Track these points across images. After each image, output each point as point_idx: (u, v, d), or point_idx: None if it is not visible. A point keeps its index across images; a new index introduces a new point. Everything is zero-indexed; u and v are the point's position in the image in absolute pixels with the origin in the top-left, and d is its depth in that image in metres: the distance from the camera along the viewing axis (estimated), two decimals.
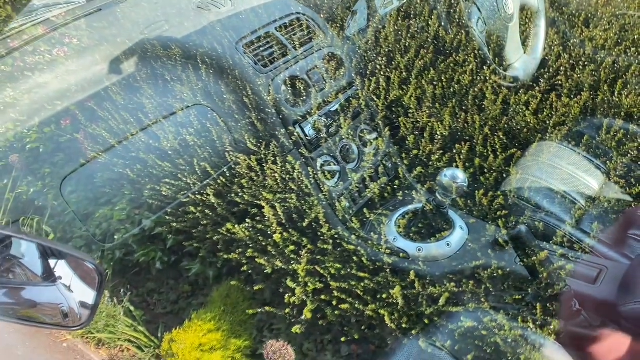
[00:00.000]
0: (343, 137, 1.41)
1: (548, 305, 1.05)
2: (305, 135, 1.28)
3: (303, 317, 1.04)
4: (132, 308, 1.50)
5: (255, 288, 1.02)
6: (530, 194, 1.36)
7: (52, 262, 0.94)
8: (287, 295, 1.02)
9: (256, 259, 1.05)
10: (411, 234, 1.24)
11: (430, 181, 1.43)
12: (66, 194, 1.24)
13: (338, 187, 1.32)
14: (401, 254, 1.16)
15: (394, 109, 1.62)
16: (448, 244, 1.17)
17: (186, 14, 1.39)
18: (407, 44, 1.69)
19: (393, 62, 1.67)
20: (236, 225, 1.12)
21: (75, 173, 1.28)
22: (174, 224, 1.20)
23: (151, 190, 1.26)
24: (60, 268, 0.93)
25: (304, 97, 1.36)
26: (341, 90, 1.49)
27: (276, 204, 1.08)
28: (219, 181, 1.21)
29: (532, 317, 1.04)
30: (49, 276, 0.94)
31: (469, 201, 1.39)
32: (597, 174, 1.54)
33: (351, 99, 1.46)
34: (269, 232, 1.07)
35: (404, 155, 1.54)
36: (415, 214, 1.27)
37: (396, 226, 1.23)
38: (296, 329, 1.05)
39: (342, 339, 1.20)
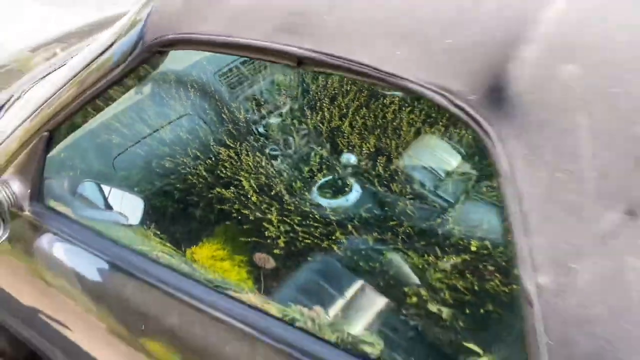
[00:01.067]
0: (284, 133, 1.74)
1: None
2: (261, 134, 1.64)
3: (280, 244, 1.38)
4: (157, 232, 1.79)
5: (245, 227, 1.32)
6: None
7: None
8: (266, 232, 1.33)
9: (241, 211, 1.36)
10: (326, 195, 1.52)
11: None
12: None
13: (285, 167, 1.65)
14: (319, 205, 1.45)
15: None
16: (347, 200, 1.40)
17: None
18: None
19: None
20: (224, 189, 1.38)
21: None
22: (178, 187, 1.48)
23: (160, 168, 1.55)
24: None
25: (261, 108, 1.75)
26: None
27: (250, 179, 1.37)
28: (207, 163, 1.49)
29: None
30: None
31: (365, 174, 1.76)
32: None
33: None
34: (249, 197, 1.37)
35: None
36: (329, 182, 1.58)
37: (318, 190, 1.49)
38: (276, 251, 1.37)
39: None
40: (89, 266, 1.10)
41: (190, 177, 1.46)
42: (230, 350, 0.89)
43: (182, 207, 1.47)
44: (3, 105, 1.64)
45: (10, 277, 1.39)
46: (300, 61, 0.74)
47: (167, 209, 1.46)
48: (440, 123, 1.51)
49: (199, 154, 1.48)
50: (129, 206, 1.21)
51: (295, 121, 1.69)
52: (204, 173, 1.46)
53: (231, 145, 1.50)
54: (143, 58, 0.93)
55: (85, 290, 1.11)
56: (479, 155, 1.45)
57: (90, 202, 1.20)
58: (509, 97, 0.59)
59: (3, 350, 1.93)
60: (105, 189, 1.22)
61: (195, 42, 0.86)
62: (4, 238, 1.13)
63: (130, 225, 1.20)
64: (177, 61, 1.66)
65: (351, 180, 1.86)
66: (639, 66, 0.57)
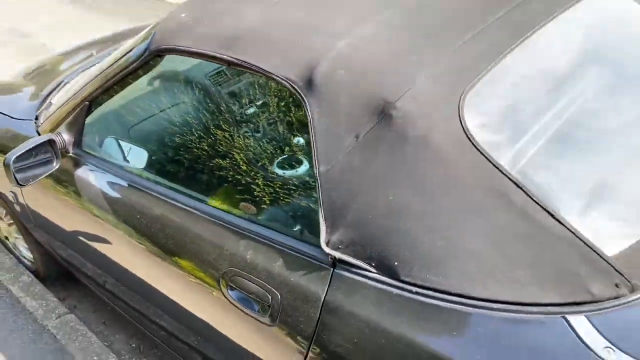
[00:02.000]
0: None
1: None
2: (241, 121, 1.90)
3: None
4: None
5: (239, 188, 1.52)
6: None
7: None
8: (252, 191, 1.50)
9: (235, 176, 1.57)
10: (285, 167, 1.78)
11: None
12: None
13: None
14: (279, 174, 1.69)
15: None
16: (297, 171, 1.68)
17: None
18: None
19: None
20: (221, 160, 1.62)
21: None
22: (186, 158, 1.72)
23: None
24: None
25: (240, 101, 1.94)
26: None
27: (241, 154, 1.60)
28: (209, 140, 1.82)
29: None
30: None
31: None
32: None
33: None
34: (241, 167, 1.57)
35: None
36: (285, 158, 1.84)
37: (278, 164, 1.74)
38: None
39: None
40: (109, 186, 1.74)
41: (188, 146, 1.76)
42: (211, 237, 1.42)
43: (185, 171, 1.73)
44: (55, 89, 2.32)
45: (53, 204, 2.03)
46: (229, 63, 1.39)
47: (168, 171, 1.78)
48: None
49: (188, 131, 1.79)
50: (136, 155, 1.84)
51: (263, 113, 1.91)
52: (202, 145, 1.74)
53: (216, 128, 1.76)
54: (148, 58, 1.59)
55: (106, 204, 1.75)
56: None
57: (111, 149, 1.85)
58: (316, 85, 1.23)
59: (37, 270, 2.58)
60: (121, 143, 1.86)
61: (178, 51, 1.51)
62: (56, 167, 1.78)
63: (137, 168, 1.78)
64: (180, 65, 2.14)
65: (301, 157, 2.17)
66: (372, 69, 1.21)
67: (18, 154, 1.65)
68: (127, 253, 1.74)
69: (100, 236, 1.83)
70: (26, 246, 2.51)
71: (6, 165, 1.65)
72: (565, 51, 1.38)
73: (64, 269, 2.39)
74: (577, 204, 1.11)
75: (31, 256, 2.54)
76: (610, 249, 1.02)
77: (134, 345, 2.33)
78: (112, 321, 2.44)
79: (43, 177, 1.76)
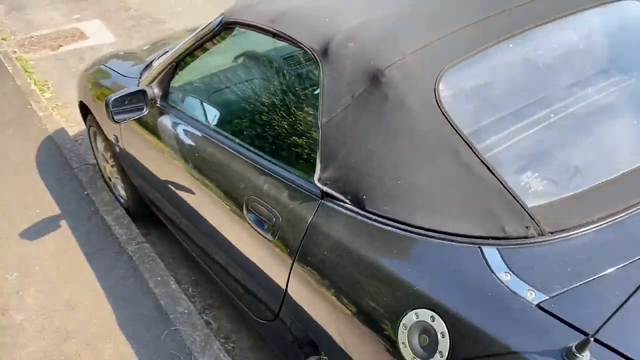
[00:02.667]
0: None
1: None
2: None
3: None
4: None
5: (270, 139, 1.85)
6: None
7: None
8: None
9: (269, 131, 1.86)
10: None
11: None
12: None
13: None
14: None
15: None
16: None
17: None
18: None
19: None
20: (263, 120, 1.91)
21: None
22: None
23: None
24: None
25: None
26: None
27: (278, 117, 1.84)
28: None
29: None
30: None
31: None
32: None
33: None
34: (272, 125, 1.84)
35: None
36: None
37: None
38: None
39: None
40: (186, 135, 2.15)
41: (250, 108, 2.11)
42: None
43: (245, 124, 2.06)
44: (157, 57, 2.80)
45: (141, 147, 2.49)
46: (273, 34, 1.73)
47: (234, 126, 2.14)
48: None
49: (247, 101, 2.13)
50: (210, 113, 2.24)
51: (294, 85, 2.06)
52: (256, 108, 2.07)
53: (266, 99, 2.03)
54: (220, 30, 1.97)
55: (181, 148, 2.15)
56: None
57: (191, 106, 2.26)
58: (330, 53, 1.54)
59: (128, 207, 3.10)
60: (200, 102, 2.27)
61: (241, 24, 1.88)
62: (145, 113, 2.22)
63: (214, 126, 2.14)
64: (256, 45, 2.51)
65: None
66: (369, 43, 1.49)
67: (116, 97, 2.11)
68: (193, 192, 2.13)
69: (174, 177, 2.25)
70: (122, 185, 3.02)
71: (106, 104, 2.11)
72: (547, 51, 1.57)
73: (148, 209, 2.87)
74: (515, 165, 1.33)
75: (125, 195, 3.06)
76: (533, 201, 1.23)
77: (193, 278, 2.75)
78: (180, 258, 2.88)
79: (133, 119, 2.21)
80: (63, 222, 2.98)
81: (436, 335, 1.15)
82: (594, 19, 1.68)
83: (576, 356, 0.97)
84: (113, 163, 3.02)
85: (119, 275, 2.60)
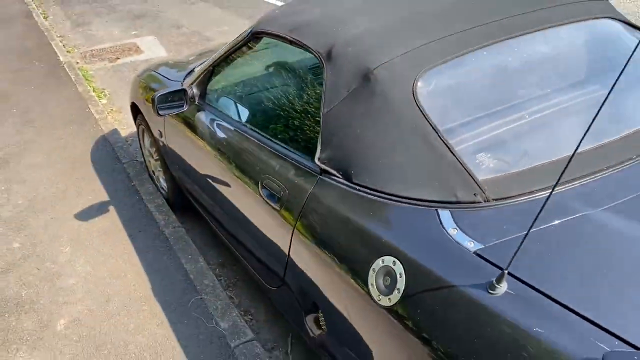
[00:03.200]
0: None
1: None
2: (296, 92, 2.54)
3: None
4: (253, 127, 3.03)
5: (286, 129, 2.16)
6: None
7: None
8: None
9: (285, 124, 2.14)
10: None
11: None
12: None
13: None
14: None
15: None
16: None
17: None
18: None
19: None
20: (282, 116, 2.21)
21: None
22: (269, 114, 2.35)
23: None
24: None
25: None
26: None
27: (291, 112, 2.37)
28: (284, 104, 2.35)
29: None
30: None
31: None
32: None
33: None
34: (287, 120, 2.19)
35: None
36: None
37: None
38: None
39: None
40: (219, 129, 2.51)
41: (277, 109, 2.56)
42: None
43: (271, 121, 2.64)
44: (195, 67, 3.20)
45: (180, 141, 2.87)
46: (290, 42, 2.07)
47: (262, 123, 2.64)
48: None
49: (270, 102, 2.48)
50: (241, 111, 2.60)
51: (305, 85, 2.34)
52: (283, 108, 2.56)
53: (285, 100, 2.37)
54: (250, 38, 2.33)
55: (215, 141, 2.51)
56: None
57: (225, 105, 2.62)
58: (333, 56, 1.86)
59: (169, 198, 3.48)
60: (233, 102, 2.63)
61: (267, 33, 2.23)
62: (185, 109, 2.60)
63: (241, 120, 2.54)
64: (277, 52, 2.85)
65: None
66: (364, 48, 1.81)
67: (160, 94, 2.50)
68: (222, 177, 2.48)
69: (206, 165, 2.61)
70: (164, 177, 3.41)
71: (152, 100, 2.49)
72: (515, 59, 1.85)
73: (185, 198, 3.24)
74: (473, 148, 1.61)
75: (165, 186, 3.45)
76: (483, 175, 1.51)
77: (221, 260, 3.09)
78: (211, 244, 3.23)
79: (174, 113, 2.59)
80: (111, 207, 3.38)
81: (396, 276, 1.44)
82: (565, 34, 1.96)
83: (496, 287, 1.24)
84: (157, 157, 3.42)
85: (156, 253, 2.97)
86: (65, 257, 2.97)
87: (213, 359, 2.31)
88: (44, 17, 8.19)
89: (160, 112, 2.54)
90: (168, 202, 3.47)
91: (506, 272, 1.22)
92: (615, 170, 1.54)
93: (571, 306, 1.17)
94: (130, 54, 6.41)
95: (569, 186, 1.49)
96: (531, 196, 1.47)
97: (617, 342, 1.08)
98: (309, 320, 2.01)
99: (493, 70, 1.82)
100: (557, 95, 1.78)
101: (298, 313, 2.07)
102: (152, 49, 6.53)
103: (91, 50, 6.62)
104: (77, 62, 6.22)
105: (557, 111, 1.74)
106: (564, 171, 1.20)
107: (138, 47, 6.64)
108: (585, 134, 1.17)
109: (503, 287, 1.24)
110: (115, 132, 4.35)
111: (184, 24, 7.44)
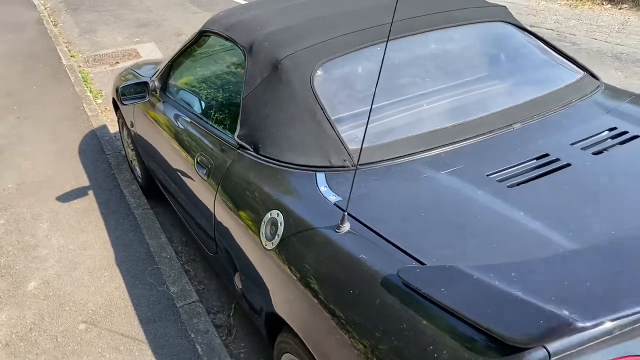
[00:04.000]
0: None
1: None
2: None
3: None
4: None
5: (224, 117, 2.81)
6: None
7: None
8: None
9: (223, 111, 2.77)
10: None
11: None
12: None
13: None
14: None
15: None
16: None
17: None
18: None
19: None
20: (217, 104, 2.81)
21: None
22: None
23: None
24: None
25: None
26: None
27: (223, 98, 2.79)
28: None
29: None
30: None
31: None
32: None
33: None
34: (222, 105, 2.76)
35: None
36: None
37: None
38: None
39: None
40: (175, 118, 2.85)
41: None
42: None
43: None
44: (159, 67, 3.55)
45: (145, 129, 3.22)
46: (226, 38, 2.41)
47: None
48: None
49: (211, 91, 3.03)
50: (187, 98, 2.93)
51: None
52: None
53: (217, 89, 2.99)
54: (198, 37, 2.68)
55: (173, 129, 2.85)
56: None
57: (182, 96, 2.97)
58: (253, 49, 2.19)
59: (142, 185, 3.83)
60: (189, 94, 2.98)
61: (211, 32, 2.58)
62: (146, 100, 2.95)
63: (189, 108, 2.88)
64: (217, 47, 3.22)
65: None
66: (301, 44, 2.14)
67: (124, 85, 2.85)
68: (176, 159, 2.81)
69: (164, 150, 2.94)
70: (139, 166, 3.76)
71: (117, 90, 2.85)
72: (403, 53, 2.17)
73: (154, 183, 3.58)
74: (350, 124, 1.93)
75: (140, 174, 3.79)
76: (354, 145, 1.82)
77: (184, 239, 3.42)
78: (177, 225, 3.57)
79: (137, 103, 2.94)
80: (90, 191, 3.74)
81: (278, 225, 1.75)
82: (456, 34, 2.27)
83: (340, 227, 1.55)
84: (132, 147, 3.78)
85: (124, 230, 3.31)
86: (43, 232, 3.33)
87: (160, 315, 2.63)
88: (53, 25, 8.68)
89: (124, 102, 2.89)
90: (142, 188, 3.81)
91: (346, 214, 1.54)
92: (463, 144, 1.86)
93: (389, 239, 1.47)
94: (130, 59, 6.82)
95: (424, 155, 1.80)
96: (389, 162, 1.78)
97: (414, 262, 1.39)
98: (236, 278, 2.33)
99: (383, 64, 2.13)
100: (431, 85, 2.10)
101: (230, 275, 2.39)
102: (151, 54, 6.94)
103: (94, 55, 7.06)
104: (80, 66, 6.64)
105: (423, 96, 2.05)
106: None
107: (138, 52, 7.06)
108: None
109: (345, 227, 1.55)
110: (104, 128, 4.73)
111: (184, 31, 7.86)
